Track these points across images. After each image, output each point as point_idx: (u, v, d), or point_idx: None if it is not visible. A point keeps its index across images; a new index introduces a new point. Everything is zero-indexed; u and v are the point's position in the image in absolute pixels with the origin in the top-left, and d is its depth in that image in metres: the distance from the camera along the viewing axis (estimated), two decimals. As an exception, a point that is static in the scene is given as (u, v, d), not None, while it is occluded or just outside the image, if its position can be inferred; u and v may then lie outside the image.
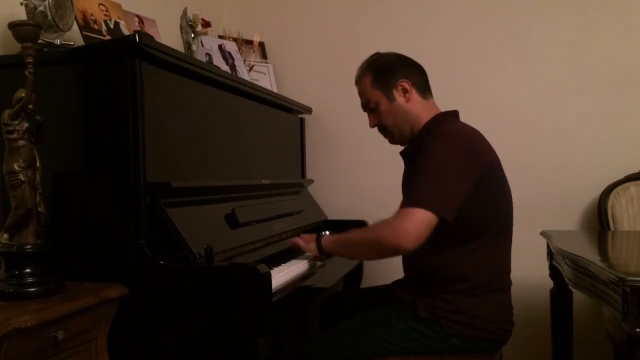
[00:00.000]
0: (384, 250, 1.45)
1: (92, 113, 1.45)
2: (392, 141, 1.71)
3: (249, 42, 2.62)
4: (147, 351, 1.39)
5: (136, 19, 1.90)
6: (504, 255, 1.60)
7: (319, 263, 1.81)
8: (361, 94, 1.69)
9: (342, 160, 2.73)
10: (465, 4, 2.55)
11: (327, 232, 1.73)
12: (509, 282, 1.62)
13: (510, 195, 1.61)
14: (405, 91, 1.62)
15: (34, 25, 1.26)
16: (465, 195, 1.44)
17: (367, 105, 1.68)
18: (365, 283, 2.44)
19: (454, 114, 1.65)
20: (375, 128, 1.70)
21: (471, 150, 1.49)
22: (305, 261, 1.76)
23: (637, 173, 2.30)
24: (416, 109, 1.62)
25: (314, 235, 1.73)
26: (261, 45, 2.72)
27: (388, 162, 2.52)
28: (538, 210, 2.39)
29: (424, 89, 1.65)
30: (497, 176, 1.56)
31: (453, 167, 1.45)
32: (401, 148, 1.70)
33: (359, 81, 1.69)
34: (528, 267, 2.14)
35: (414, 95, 1.62)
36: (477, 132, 1.59)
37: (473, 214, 1.47)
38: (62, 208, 1.45)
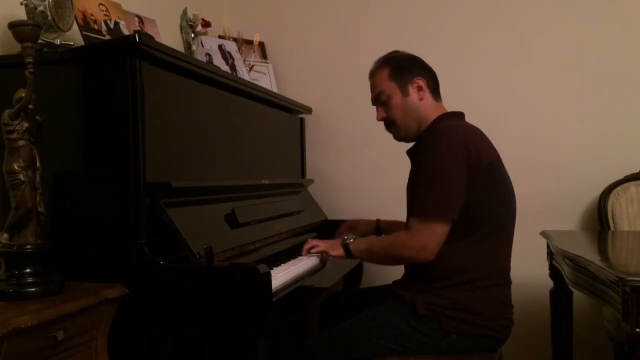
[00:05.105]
0: (407, 262, 1.62)
1: (92, 113, 1.44)
2: (397, 137, 1.72)
3: (249, 42, 2.62)
4: (147, 351, 1.39)
5: (136, 19, 1.90)
6: (504, 251, 1.60)
7: (319, 263, 1.81)
8: (374, 86, 1.70)
9: (342, 160, 2.73)
10: (466, 4, 2.55)
11: (352, 239, 1.71)
12: (509, 280, 1.63)
13: (513, 193, 1.62)
14: (420, 89, 1.64)
15: (34, 25, 1.26)
16: (466, 190, 1.47)
17: (378, 98, 1.69)
18: (365, 283, 2.44)
19: (459, 114, 1.67)
20: (381, 124, 1.72)
21: (471, 146, 1.50)
22: (306, 261, 1.76)
23: (637, 173, 2.30)
24: (426, 108, 1.65)
25: (337, 241, 1.74)
26: (261, 45, 2.72)
27: (388, 162, 2.54)
28: (538, 210, 2.39)
29: (435, 92, 1.68)
30: (497, 173, 1.56)
31: (454, 165, 1.47)
32: (404, 146, 1.71)
33: (374, 74, 1.70)
34: (528, 267, 2.14)
35: (427, 95, 1.65)
36: (478, 129, 1.61)
37: (471, 208, 1.49)
38: (62, 208, 1.45)
